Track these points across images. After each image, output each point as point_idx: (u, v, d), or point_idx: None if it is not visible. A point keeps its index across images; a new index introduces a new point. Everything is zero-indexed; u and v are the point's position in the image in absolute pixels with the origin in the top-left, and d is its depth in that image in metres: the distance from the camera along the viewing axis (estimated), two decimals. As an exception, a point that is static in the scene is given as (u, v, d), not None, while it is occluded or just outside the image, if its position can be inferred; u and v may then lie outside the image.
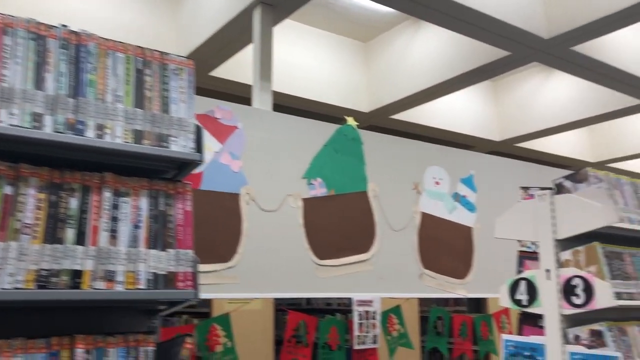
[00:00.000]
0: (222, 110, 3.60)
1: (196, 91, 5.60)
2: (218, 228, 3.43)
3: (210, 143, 3.54)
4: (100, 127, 1.60)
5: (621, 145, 9.13)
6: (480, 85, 7.67)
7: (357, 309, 3.97)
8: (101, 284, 1.53)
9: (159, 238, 1.61)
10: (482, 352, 4.70)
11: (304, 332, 3.82)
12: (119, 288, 1.54)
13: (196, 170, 3.50)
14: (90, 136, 1.58)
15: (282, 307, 4.94)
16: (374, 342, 4.03)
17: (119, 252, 1.56)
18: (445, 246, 4.47)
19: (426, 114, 7.48)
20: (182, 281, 1.58)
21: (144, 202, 1.62)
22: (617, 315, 2.41)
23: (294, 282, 3.65)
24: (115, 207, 1.59)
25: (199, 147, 1.68)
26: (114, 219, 1.59)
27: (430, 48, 6.22)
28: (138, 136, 1.64)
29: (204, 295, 3.58)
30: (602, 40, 5.51)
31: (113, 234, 1.58)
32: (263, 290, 3.56)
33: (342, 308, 6.34)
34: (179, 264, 1.59)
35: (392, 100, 6.64)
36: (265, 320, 5.22)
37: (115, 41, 1.67)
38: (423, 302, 6.39)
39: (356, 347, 3.93)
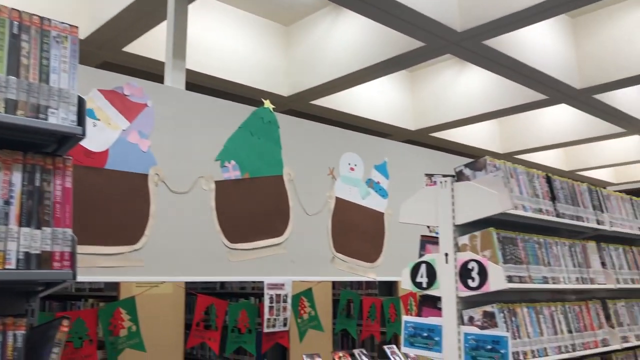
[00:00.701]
0: (132, 87, 3.46)
1: (107, 66, 5.35)
2: (124, 209, 3.32)
3: (118, 120, 3.40)
4: (-35, 95, 1.46)
5: (528, 138, 9.63)
6: (398, 75, 7.83)
7: (268, 292, 3.97)
8: (-38, 264, 1.41)
9: (33, 215, 1.51)
10: (390, 333, 4.84)
11: (214, 315, 3.79)
12: (-16, 268, 1.42)
13: (102, 149, 3.40)
14: (-48, 103, 1.43)
15: (193, 291, 4.86)
16: (284, 325, 4.06)
17: (-15, 229, 1.44)
18: (357, 231, 4.55)
19: (345, 101, 7.55)
20: (59, 261, 1.49)
21: (16, 177, 1.50)
22: (509, 298, 2.54)
23: (204, 265, 3.60)
24: (-18, 181, 1.46)
25: (80, 120, 1.58)
26: (-19, 194, 1.46)
27: (350, 35, 6.26)
28: (11, 106, 1.51)
29: (110, 278, 3.48)
30: (512, 36, 5.75)
31: (-21, 209, 1.45)
32: (172, 274, 3.49)
33: (257, 292, 6.33)
34: (55, 243, 1.50)
35: (311, 86, 6.64)
36: (176, 304, 5.12)
37: (-13, 1, 1.54)
38: (337, 285, 6.50)
39: (266, 330, 3.94)
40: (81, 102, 1.59)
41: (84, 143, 3.21)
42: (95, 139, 3.26)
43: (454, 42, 5.41)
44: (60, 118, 1.54)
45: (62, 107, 1.54)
